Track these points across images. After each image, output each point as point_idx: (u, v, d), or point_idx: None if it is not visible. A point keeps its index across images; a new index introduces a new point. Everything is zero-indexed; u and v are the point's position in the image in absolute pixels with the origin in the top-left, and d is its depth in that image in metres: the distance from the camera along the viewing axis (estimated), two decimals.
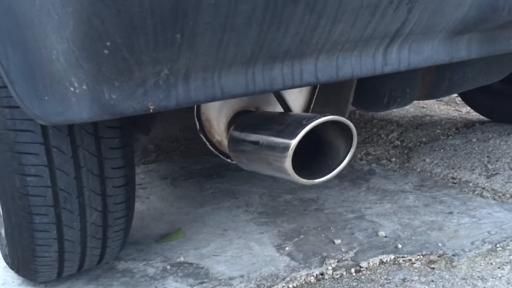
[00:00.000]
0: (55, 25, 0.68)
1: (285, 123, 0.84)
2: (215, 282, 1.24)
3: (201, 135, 1.14)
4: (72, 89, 0.75)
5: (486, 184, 1.71)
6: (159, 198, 1.86)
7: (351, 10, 0.74)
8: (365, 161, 2.07)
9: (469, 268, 1.20)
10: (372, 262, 1.26)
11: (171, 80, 0.70)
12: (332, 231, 1.44)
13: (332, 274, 1.22)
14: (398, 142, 2.31)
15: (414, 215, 1.51)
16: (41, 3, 0.67)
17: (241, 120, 1.00)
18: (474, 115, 2.82)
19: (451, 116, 2.85)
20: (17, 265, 1.18)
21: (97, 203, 1.08)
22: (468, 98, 2.57)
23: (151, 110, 0.71)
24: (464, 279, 1.16)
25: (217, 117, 1.13)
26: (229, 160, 1.18)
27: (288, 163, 0.80)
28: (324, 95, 1.23)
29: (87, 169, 1.04)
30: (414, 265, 1.23)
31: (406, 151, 2.17)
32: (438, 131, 2.48)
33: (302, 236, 1.43)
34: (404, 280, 1.18)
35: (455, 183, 1.75)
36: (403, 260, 1.25)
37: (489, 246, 1.29)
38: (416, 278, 1.18)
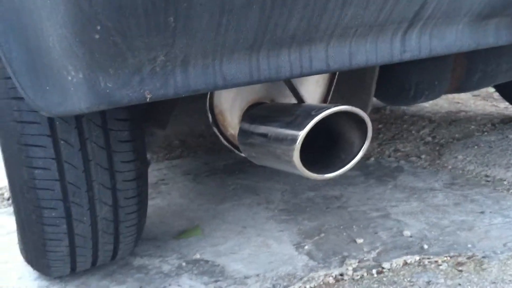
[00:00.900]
0: (49, 9, 0.65)
1: (294, 114, 0.79)
2: (230, 280, 1.20)
3: (214, 128, 1.10)
4: (69, 77, 0.72)
5: None
6: (180, 194, 1.83)
7: None
8: (393, 158, 1.99)
9: (500, 271, 1.12)
10: (396, 263, 1.19)
11: (168, 67, 0.66)
12: (355, 230, 1.38)
13: (352, 275, 1.16)
14: (430, 139, 2.22)
15: (443, 214, 1.43)
16: None
17: (251, 112, 0.96)
18: None
19: (488, 112, 2.73)
20: (31, 259, 1.17)
21: (107, 197, 1.05)
22: (506, 92, 2.44)
23: (148, 99, 0.67)
24: (494, 283, 1.09)
25: (230, 110, 1.09)
26: (242, 155, 1.14)
27: (296, 156, 0.75)
28: (344, 87, 1.17)
29: (95, 162, 1.01)
30: (441, 267, 1.16)
31: (437, 148, 2.07)
32: (473, 127, 2.37)
33: (322, 234, 1.38)
34: (428, 283, 1.11)
35: (489, 181, 1.65)
36: (428, 262, 1.18)
37: None
38: (442, 281, 1.11)
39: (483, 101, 3.09)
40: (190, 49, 0.65)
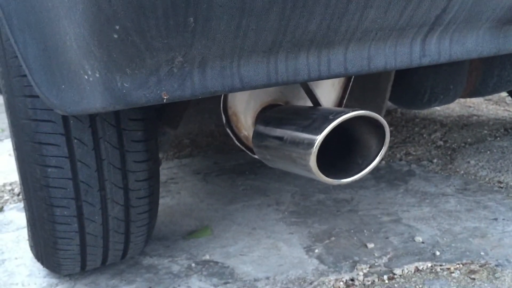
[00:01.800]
0: (67, 8, 0.64)
1: (311, 118, 0.78)
2: (240, 283, 1.19)
3: (227, 129, 1.09)
4: (86, 77, 0.72)
5: None
6: (190, 194, 1.83)
7: None
8: (404, 162, 1.97)
9: None
10: (407, 269, 1.18)
11: (186, 68, 0.65)
12: (366, 234, 1.37)
13: (363, 280, 1.15)
14: (441, 143, 2.20)
15: (455, 220, 1.41)
16: None
17: (266, 114, 0.95)
18: None
19: (500, 116, 2.71)
20: (41, 257, 1.17)
21: (119, 197, 1.05)
22: None
23: (164, 100, 0.66)
24: None
25: (244, 111, 1.08)
26: (255, 156, 1.13)
27: (312, 161, 0.74)
28: (359, 90, 1.16)
29: (108, 161, 1.01)
30: (453, 274, 1.14)
31: (449, 152, 2.06)
32: (485, 131, 2.35)
33: (333, 238, 1.37)
34: None
35: (502, 188, 1.63)
36: (440, 269, 1.17)
37: None
38: None
39: (495, 105, 3.06)
40: (208, 51, 0.64)
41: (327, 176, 0.76)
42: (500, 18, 0.81)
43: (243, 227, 1.49)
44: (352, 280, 1.16)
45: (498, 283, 1.10)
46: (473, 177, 1.76)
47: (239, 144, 1.11)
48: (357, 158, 0.81)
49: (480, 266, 1.17)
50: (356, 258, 1.25)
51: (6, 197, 1.90)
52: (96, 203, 1.03)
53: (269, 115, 0.94)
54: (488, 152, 2.01)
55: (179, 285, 1.20)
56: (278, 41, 0.67)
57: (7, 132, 3.03)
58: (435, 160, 1.95)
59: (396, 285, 1.13)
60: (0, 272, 1.32)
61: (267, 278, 1.20)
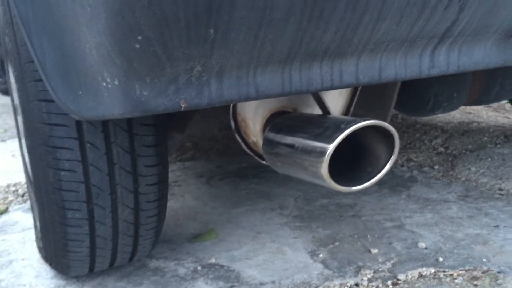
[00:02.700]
0: (88, 17, 0.66)
1: (323, 126, 0.80)
2: (245, 286, 1.21)
3: (236, 135, 1.11)
4: (104, 84, 0.73)
5: None
6: (193, 197, 1.85)
7: (397, 6, 0.69)
8: (406, 168, 1.99)
9: None
10: (411, 274, 1.20)
11: (204, 77, 0.67)
12: (369, 240, 1.39)
13: (367, 285, 1.17)
14: (442, 149, 2.22)
15: (457, 226, 1.43)
16: None
17: (277, 122, 0.97)
18: None
19: (500, 123, 2.73)
20: (50, 258, 1.19)
21: (129, 200, 1.07)
22: None
23: (182, 108, 0.68)
24: None
25: (253, 118, 1.10)
26: (263, 162, 1.15)
27: (324, 169, 0.76)
28: (365, 98, 1.18)
29: (120, 166, 1.02)
30: (456, 280, 1.16)
31: (450, 159, 2.08)
32: (486, 138, 2.38)
33: (337, 243, 1.38)
34: None
35: (502, 195, 1.66)
36: (444, 275, 1.19)
37: None
38: None
39: (495, 112, 3.09)
40: (226, 60, 0.66)
41: (338, 183, 0.78)
42: (508, 31, 0.83)
43: (248, 231, 1.51)
44: (357, 285, 1.18)
45: None
46: (474, 184, 1.78)
47: (247, 150, 1.13)
48: (366, 166, 0.83)
49: (482, 273, 1.19)
50: (360, 263, 1.26)
51: (11, 198, 1.91)
52: (107, 206, 1.04)
53: (279, 122, 0.95)
54: (489, 159, 2.03)
55: None
56: (294, 51, 0.69)
57: (10, 132, 3.04)
58: (436, 167, 1.97)
59: None
60: (8, 273, 1.33)
61: (273, 282, 1.21)
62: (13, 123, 3.21)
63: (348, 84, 0.76)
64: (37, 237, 1.34)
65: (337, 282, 1.19)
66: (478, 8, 0.75)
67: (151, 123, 1.03)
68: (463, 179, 1.83)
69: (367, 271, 1.22)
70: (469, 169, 1.92)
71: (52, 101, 0.94)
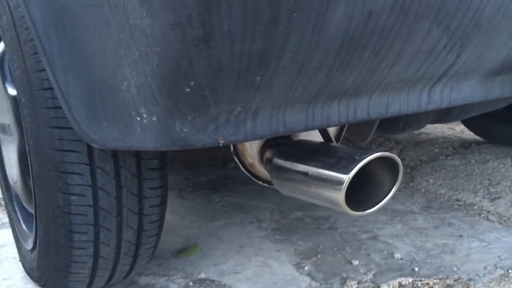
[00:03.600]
0: (134, 60, 0.70)
1: (336, 156, 0.88)
2: None
3: (234, 157, 1.17)
4: (138, 118, 0.77)
5: (491, 207, 1.77)
6: (168, 210, 1.87)
7: (409, 54, 0.78)
8: None
9: None
10: (392, 284, 1.30)
11: (241, 116, 0.73)
12: (348, 252, 1.48)
13: None
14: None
15: (426, 237, 1.56)
16: (121, 39, 0.69)
17: (284, 148, 1.03)
18: (468, 134, 2.90)
19: (446, 135, 2.93)
20: (46, 280, 1.19)
21: (133, 221, 1.10)
22: (469, 123, 2.65)
23: (220, 144, 0.73)
24: None
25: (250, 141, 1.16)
26: (260, 182, 1.21)
27: (341, 197, 0.83)
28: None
29: (127, 189, 1.06)
30: None
31: (408, 170, 2.22)
32: (437, 150, 2.56)
33: (319, 255, 1.47)
34: None
35: (461, 205, 1.81)
36: (421, 284, 1.30)
37: (501, 272, 1.34)
38: None
39: (432, 124, 3.30)
40: (263, 102, 0.72)
41: (350, 209, 0.86)
42: (491, 70, 0.95)
43: (231, 245, 1.57)
44: None
45: None
46: (433, 195, 1.92)
47: (245, 171, 1.19)
48: (371, 192, 0.92)
49: (454, 281, 1.31)
50: (344, 275, 1.35)
51: None
52: (113, 228, 1.07)
53: (286, 149, 1.02)
54: (443, 170, 2.20)
55: None
56: (320, 93, 0.77)
57: None
58: None
59: None
60: None
61: None
62: None
63: (360, 119, 0.84)
64: (24, 258, 1.33)
65: None
66: (472, 53, 0.86)
67: None
68: (423, 190, 1.97)
69: (352, 282, 1.31)
70: (427, 180, 2.07)
71: (65, 128, 0.96)
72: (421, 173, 2.18)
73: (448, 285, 1.29)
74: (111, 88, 0.79)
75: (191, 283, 1.35)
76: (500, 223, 1.65)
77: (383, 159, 0.89)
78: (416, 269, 1.37)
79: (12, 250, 1.58)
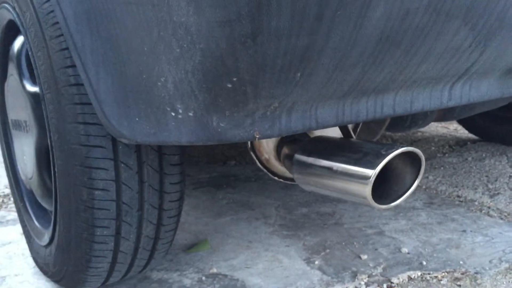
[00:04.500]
0: (174, 57, 0.71)
1: (361, 151, 0.90)
2: None
3: (251, 152, 1.18)
4: (173, 114, 0.79)
5: (491, 203, 1.81)
6: None
7: (438, 52, 0.80)
8: None
9: (493, 286, 1.29)
10: (401, 278, 1.33)
11: (277, 112, 0.75)
12: (356, 246, 1.51)
13: None
14: None
15: (430, 232, 1.59)
16: (162, 36, 0.71)
17: (304, 145, 1.05)
18: (462, 132, 2.96)
19: (441, 133, 2.98)
20: (63, 275, 1.20)
21: (153, 216, 1.11)
22: (465, 122, 2.70)
23: (256, 139, 0.75)
24: None
25: None
26: (275, 178, 1.24)
27: (368, 191, 0.86)
28: None
29: (149, 184, 1.07)
30: (441, 282, 1.31)
31: None
32: (433, 148, 2.60)
33: (328, 250, 1.49)
34: None
35: (461, 202, 1.85)
36: (430, 277, 1.33)
37: (507, 265, 1.38)
38: None
39: (434, 122, 3.36)
40: (299, 98, 0.74)
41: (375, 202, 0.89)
42: (508, 69, 0.98)
43: (239, 240, 1.58)
44: None
45: None
46: (434, 191, 1.96)
47: (261, 166, 1.21)
48: (392, 186, 0.94)
49: (462, 274, 1.34)
50: (354, 269, 1.38)
51: None
52: (134, 222, 1.08)
53: (307, 146, 1.04)
54: (442, 168, 2.24)
55: None
56: (352, 89, 0.79)
57: None
58: None
59: None
60: None
61: None
62: None
63: (386, 115, 0.87)
64: (38, 254, 1.33)
65: (338, 286, 1.30)
66: (493, 52, 0.89)
67: None
68: (424, 187, 2.01)
69: (363, 276, 1.34)
70: (427, 177, 2.11)
71: (91, 123, 0.97)
72: None
73: (456, 278, 1.33)
74: (145, 84, 0.80)
75: (204, 278, 1.37)
76: (501, 219, 1.69)
77: (405, 154, 0.91)
78: (424, 263, 1.40)
79: (20, 247, 1.58)
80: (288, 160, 1.08)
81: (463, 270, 1.37)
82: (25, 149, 1.31)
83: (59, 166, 1.04)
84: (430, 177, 2.11)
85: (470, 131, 2.73)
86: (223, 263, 1.44)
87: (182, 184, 1.14)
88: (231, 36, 0.63)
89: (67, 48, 0.93)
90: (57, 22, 0.92)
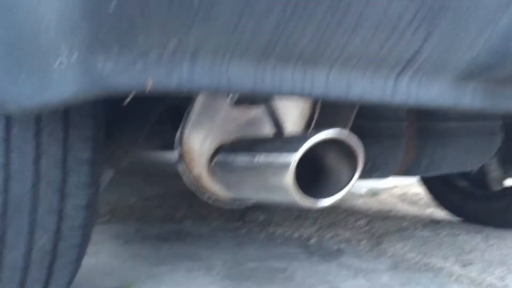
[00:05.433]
0: None
1: (283, 140, 0.76)
2: None
3: (178, 163, 1.04)
4: (58, 61, 0.66)
5: (462, 272, 1.63)
6: (110, 255, 1.69)
7: (371, 21, 0.70)
8: (334, 241, 1.97)
9: None
10: None
11: (177, 57, 0.62)
12: None
13: None
14: (367, 228, 2.24)
15: None
16: None
17: (229, 144, 0.92)
18: (439, 216, 2.81)
19: (416, 214, 2.83)
20: None
21: (49, 223, 0.94)
22: (436, 193, 2.57)
23: (147, 89, 0.62)
24: None
25: (199, 149, 1.04)
26: (205, 197, 1.08)
27: (290, 180, 0.71)
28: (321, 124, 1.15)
29: (47, 181, 0.91)
30: None
31: (375, 237, 2.09)
32: (406, 223, 2.44)
33: None
34: None
35: (430, 267, 1.67)
36: None
37: None
38: None
39: (410, 206, 3.22)
40: (203, 41, 0.62)
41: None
42: (461, 72, 0.88)
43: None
44: None
45: None
46: (401, 258, 1.78)
47: (187, 182, 1.05)
48: (328, 185, 0.79)
49: None
50: None
51: None
52: (23, 227, 0.91)
53: (231, 144, 0.91)
54: (412, 239, 2.07)
55: None
56: (270, 47, 0.67)
57: None
58: (363, 241, 1.97)
59: None
60: None
61: None
62: None
63: (318, 94, 0.74)
64: None
65: None
66: (440, 42, 0.79)
67: (88, 136, 0.94)
68: (390, 253, 1.83)
69: None
70: (395, 245, 1.94)
71: None
72: (389, 239, 2.05)
73: None
74: (27, 27, 0.68)
75: None
76: (473, 286, 1.50)
77: (340, 149, 0.77)
78: None
79: None
80: (215, 165, 0.93)
81: None
82: None
83: None
84: (398, 246, 1.94)
85: (446, 208, 2.58)
86: None
87: (93, 189, 0.98)
88: None
89: None
90: None
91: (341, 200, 3.06)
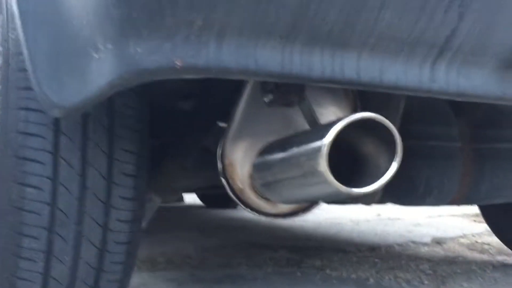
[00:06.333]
0: None
1: (316, 129, 0.75)
2: None
3: (222, 178, 1.04)
4: (95, 54, 0.70)
5: None
6: None
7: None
8: (394, 282, 1.87)
9: None
10: None
11: (203, 36, 0.64)
12: None
13: None
14: (430, 272, 2.11)
15: None
16: None
17: (265, 147, 0.91)
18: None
19: (485, 260, 2.65)
20: None
21: (95, 235, 0.95)
22: (502, 233, 2.41)
23: (177, 67, 0.64)
24: None
25: (241, 161, 1.04)
26: (248, 210, 1.06)
27: (323, 165, 0.69)
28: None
29: (93, 191, 0.93)
30: None
31: (439, 278, 1.96)
32: (474, 267, 2.28)
33: None
34: None
35: None
36: None
37: None
38: None
39: (480, 254, 3.02)
40: (227, 20, 0.64)
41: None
42: (504, 59, 0.84)
43: None
44: None
45: None
46: None
47: (232, 195, 1.05)
48: (367, 173, 0.76)
49: None
50: None
51: None
52: (70, 238, 0.92)
53: (267, 146, 0.90)
54: (480, 279, 1.93)
55: None
56: (296, 27, 0.68)
57: None
58: (426, 282, 1.85)
59: None
60: None
61: None
62: None
63: (349, 80, 0.74)
64: None
65: None
66: (477, 20, 0.77)
67: (132, 150, 0.96)
68: None
69: None
70: (461, 285, 1.81)
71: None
72: (454, 279, 1.92)
73: None
74: (69, 32, 0.73)
75: None
76: None
77: (376, 134, 0.75)
78: None
79: None
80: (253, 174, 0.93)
81: None
82: None
83: None
84: (465, 285, 1.81)
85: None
86: None
87: (138, 203, 0.99)
88: None
89: None
90: None
91: (402, 247, 2.94)
